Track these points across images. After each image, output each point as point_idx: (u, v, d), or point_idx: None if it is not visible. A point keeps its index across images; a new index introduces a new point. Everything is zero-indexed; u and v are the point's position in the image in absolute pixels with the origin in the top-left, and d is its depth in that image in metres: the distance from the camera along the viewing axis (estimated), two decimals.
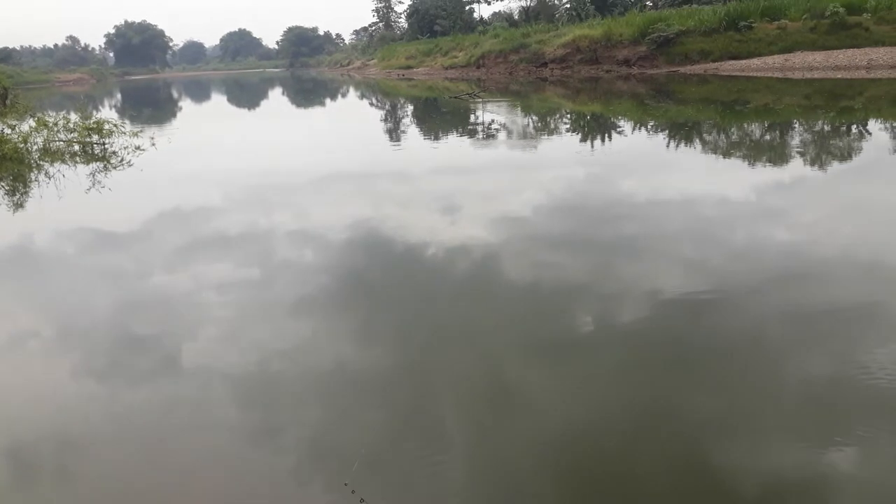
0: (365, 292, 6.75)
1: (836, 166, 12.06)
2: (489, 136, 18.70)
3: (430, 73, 55.54)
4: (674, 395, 4.54)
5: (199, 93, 61.10)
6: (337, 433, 4.25)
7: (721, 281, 6.49)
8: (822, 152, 13.56)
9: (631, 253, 7.48)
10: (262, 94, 54.32)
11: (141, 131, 19.21)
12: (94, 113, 24.09)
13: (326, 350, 5.41)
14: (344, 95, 47.82)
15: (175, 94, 58.62)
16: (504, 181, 12.23)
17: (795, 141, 15.47)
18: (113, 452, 4.16)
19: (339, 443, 4.13)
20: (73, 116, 19.66)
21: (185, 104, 47.63)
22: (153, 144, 17.54)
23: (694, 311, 5.84)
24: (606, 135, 17.85)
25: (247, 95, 55.41)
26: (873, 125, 16.59)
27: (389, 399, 4.63)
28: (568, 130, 19.41)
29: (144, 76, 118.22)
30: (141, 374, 5.13)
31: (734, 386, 4.63)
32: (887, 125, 16.76)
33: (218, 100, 52.31)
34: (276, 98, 50.23)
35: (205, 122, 33.25)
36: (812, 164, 12.34)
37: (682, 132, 17.66)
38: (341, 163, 15.06)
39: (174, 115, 37.30)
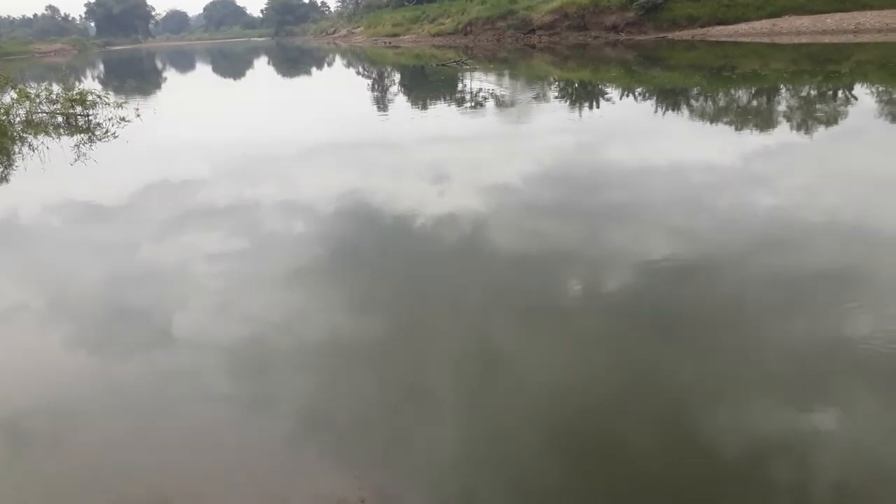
0: (356, 262, 6.72)
1: (821, 132, 12.06)
2: (477, 104, 18.53)
3: (417, 41, 54.82)
4: (661, 359, 4.58)
5: (184, 63, 60.09)
6: (332, 403, 4.26)
7: (708, 247, 6.52)
8: (808, 118, 13.55)
9: (619, 220, 7.48)
10: (248, 64, 53.51)
11: (125, 102, 18.86)
12: (77, 84, 23.63)
13: (320, 320, 5.40)
14: (330, 64, 47.18)
15: (159, 65, 57.64)
16: (493, 150, 12.16)
17: (782, 107, 15.44)
18: (107, 425, 4.15)
19: (335, 412, 4.15)
20: (56, 87, 19.28)
21: (170, 74, 46.86)
22: (138, 115, 17.27)
23: (681, 277, 5.87)
24: (595, 102, 17.74)
25: (232, 65, 54.57)
26: (859, 90, 16.57)
27: (383, 367, 4.64)
28: (556, 98, 19.27)
29: (127, 46, 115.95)
30: (133, 346, 5.11)
31: (720, 350, 4.67)
32: (873, 90, 16.75)
33: (203, 70, 51.49)
34: (262, 67, 49.50)
35: (190, 92, 32.75)
36: (798, 129, 12.34)
37: (669, 99, 17.57)
38: (329, 132, 14.90)
39: (159, 85, 36.72)
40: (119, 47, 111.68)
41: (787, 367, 4.39)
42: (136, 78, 43.55)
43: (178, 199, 9.44)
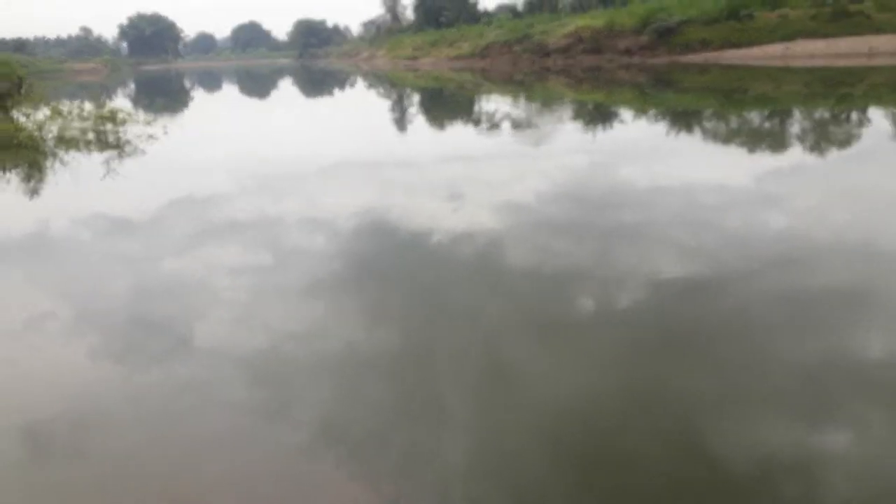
0: (373, 277, 6.73)
1: (834, 153, 11.95)
2: (494, 125, 18.60)
3: (436, 64, 55.24)
4: (670, 376, 4.52)
5: (211, 82, 60.98)
6: (347, 414, 4.25)
7: (719, 266, 6.45)
8: (821, 140, 13.43)
9: (630, 239, 7.44)
10: (273, 84, 54.17)
11: (154, 120, 19.16)
12: (108, 102, 24.06)
13: (336, 333, 5.40)
14: (352, 85, 47.64)
15: (187, 84, 58.51)
16: (509, 169, 12.18)
17: (795, 129, 15.32)
18: (126, 434, 4.17)
19: (349, 423, 4.13)
20: (88, 105, 19.63)
21: (198, 94, 47.54)
22: (166, 133, 17.51)
23: (692, 295, 5.81)
24: (609, 123, 17.74)
25: (258, 85, 55.27)
26: (873, 112, 16.41)
27: (397, 381, 4.62)
28: (571, 119, 19.29)
29: (157, 66, 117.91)
30: (155, 356, 5.14)
31: (730, 368, 4.60)
32: (888, 112, 16.58)
33: (229, 89, 52.20)
34: (287, 88, 50.08)
35: (217, 110, 33.19)
36: (810, 151, 12.23)
37: (682, 121, 17.52)
38: (350, 151, 15.02)
39: (186, 104, 37.25)
40: (150, 67, 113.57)
41: (794, 387, 4.31)
42: (165, 96, 44.23)
43: (201, 214, 9.53)
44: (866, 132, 13.98)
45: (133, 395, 4.60)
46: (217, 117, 28.54)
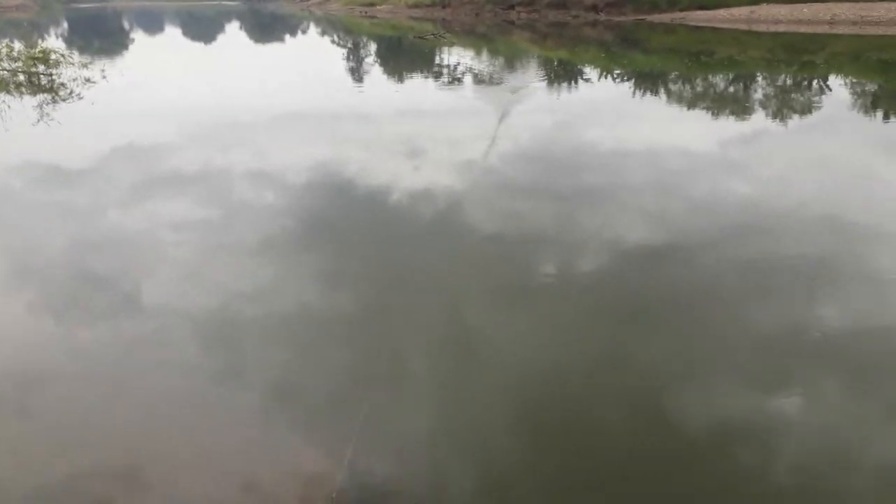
0: (328, 234, 6.68)
1: (796, 120, 12.26)
2: (455, 79, 18.42)
3: (394, 12, 54.13)
4: (633, 340, 4.65)
5: (152, 24, 58.51)
6: (301, 374, 4.25)
7: (681, 232, 6.61)
8: (784, 107, 13.74)
9: (595, 202, 7.54)
10: (219, 28, 52.31)
11: (91, 63, 18.36)
12: (40, 41, 22.89)
13: (290, 291, 5.36)
14: (304, 32, 46.39)
15: (126, 26, 56.02)
16: (471, 127, 12.12)
17: (758, 94, 15.63)
18: (74, 392, 4.10)
19: (304, 383, 4.14)
20: (17, 44, 18.66)
21: (138, 36, 45.60)
22: (104, 77, 16.83)
23: (654, 261, 5.95)
24: (573, 82, 17.76)
25: (203, 28, 53.28)
26: (834, 81, 16.83)
27: (354, 341, 4.64)
28: (535, 77, 19.24)
29: (92, 4, 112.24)
30: (101, 312, 5.03)
31: (691, 333, 4.76)
32: (847, 81, 17.03)
33: (172, 32, 50.23)
34: (234, 32, 48.47)
35: (159, 55, 31.95)
36: (773, 117, 12.52)
37: (648, 82, 17.67)
38: (303, 101, 14.70)
39: (126, 46, 35.72)
40: (83, 5, 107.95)
41: (755, 351, 4.49)
42: (102, 38, 42.27)
43: (146, 163, 9.24)
44: (827, 100, 14.35)
45: (80, 353, 4.50)
46: (160, 62, 27.49)
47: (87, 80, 16.27)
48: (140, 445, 3.63)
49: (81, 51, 28.12)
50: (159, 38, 44.81)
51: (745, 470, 3.42)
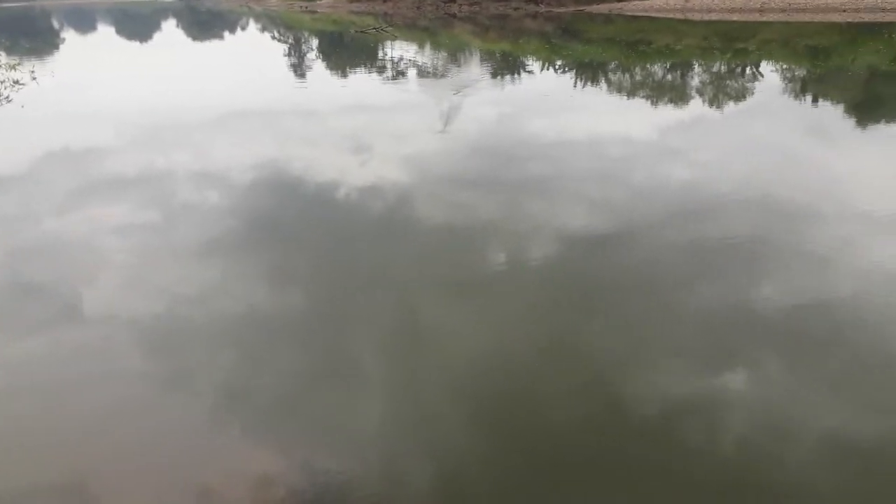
0: (275, 233, 6.57)
1: (730, 106, 12.61)
2: (398, 73, 18.33)
3: (335, 6, 53.54)
4: (580, 326, 4.72)
5: (84, 23, 56.47)
6: (251, 376, 4.18)
7: (624, 217, 6.73)
8: (719, 93, 14.13)
9: (540, 192, 7.61)
10: (155, 27, 50.83)
11: (19, 63, 17.62)
12: None
13: (235, 293, 5.26)
14: (243, 28, 45.47)
15: (56, 25, 53.91)
16: (414, 120, 12.09)
17: (695, 81, 16.02)
18: (11, 405, 3.94)
19: (251, 387, 4.07)
20: None
21: (69, 35, 43.92)
22: (34, 79, 16.18)
23: (600, 246, 6.04)
24: (516, 74, 17.88)
25: (138, 27, 51.70)
26: (765, 67, 17.38)
27: (303, 339, 4.58)
28: (478, 69, 19.30)
29: (18, 3, 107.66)
30: (38, 322, 4.84)
31: (638, 314, 4.86)
32: (777, 67, 17.61)
33: (105, 31, 48.58)
34: (171, 30, 47.17)
35: (92, 55, 30.85)
36: (709, 104, 12.86)
37: (588, 72, 17.92)
38: (243, 100, 14.41)
39: (56, 47, 34.39)
40: (8, 4, 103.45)
41: (701, 329, 4.61)
42: (31, 38, 40.57)
43: (83, 167, 8.93)
44: (759, 86, 14.81)
45: (15, 365, 4.32)
46: (94, 62, 26.55)
47: (16, 82, 15.64)
48: (84, 459, 3.51)
49: (8, 51, 26.98)
50: (92, 38, 43.27)
51: (695, 444, 3.52)
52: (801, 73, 16.91)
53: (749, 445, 3.53)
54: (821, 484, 3.30)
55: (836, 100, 13.21)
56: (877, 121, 11.39)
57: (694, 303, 4.99)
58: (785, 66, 17.68)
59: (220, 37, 39.92)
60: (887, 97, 13.93)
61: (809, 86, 14.96)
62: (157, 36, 42.50)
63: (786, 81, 15.56)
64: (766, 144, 9.59)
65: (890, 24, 23.88)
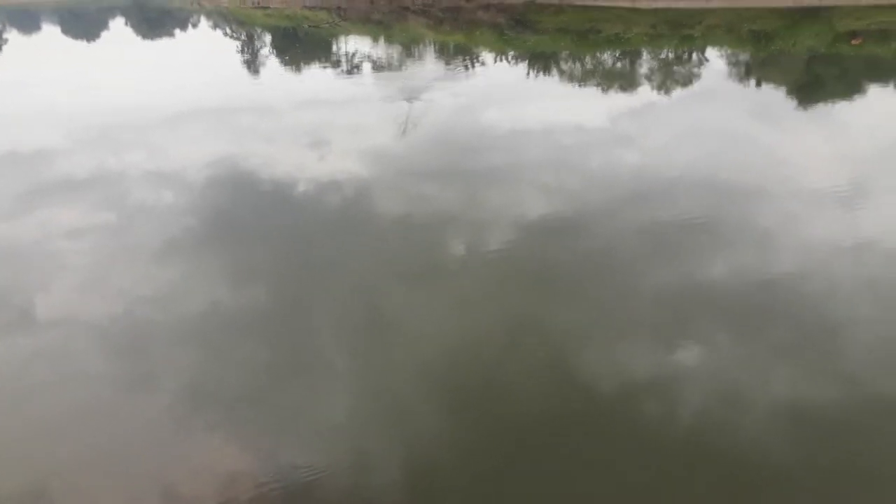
0: (234, 231, 6.50)
1: (678, 92, 12.85)
2: (353, 67, 18.20)
3: (288, 2, 52.75)
4: (540, 308, 4.80)
5: (28, 24, 54.58)
6: (213, 376, 4.15)
7: (579, 202, 6.83)
8: (667, 79, 14.38)
9: (497, 180, 7.67)
10: (102, 25, 49.43)
11: None
12: None
13: (196, 293, 5.21)
14: (195, 26, 44.52)
15: None
16: (371, 114, 12.03)
17: (644, 69, 16.27)
18: None
19: (216, 386, 4.05)
20: None
21: (12, 36, 42.44)
22: None
23: (556, 231, 6.13)
24: (471, 66, 17.90)
25: (84, 26, 50.18)
26: (711, 53, 17.74)
27: (268, 335, 4.56)
28: (432, 62, 19.27)
29: None
30: None
31: (596, 295, 4.96)
32: (722, 52, 17.99)
33: (51, 30, 47.07)
34: (119, 29, 45.93)
35: (37, 55, 29.87)
36: (658, 90, 13.08)
37: (541, 62, 18.04)
38: (197, 98, 14.15)
39: None
40: None
41: (652, 309, 4.73)
42: None
43: (32, 171, 8.67)
44: (705, 72, 15.11)
45: None
46: (38, 62, 25.71)
47: None
48: (46, 466, 3.45)
49: None
50: (36, 38, 41.88)
51: (653, 416, 3.62)
52: (744, 57, 17.30)
53: (704, 414, 3.65)
54: (775, 449, 3.44)
55: (778, 82, 13.56)
56: (816, 102, 11.74)
57: (649, 280, 5.11)
58: (730, 51, 18.06)
59: (171, 34, 39.06)
60: (826, 78, 14.36)
61: (753, 70, 15.33)
62: (105, 34, 41.35)
63: (730, 66, 15.91)
64: (712, 128, 9.81)
65: (830, 7, 24.56)
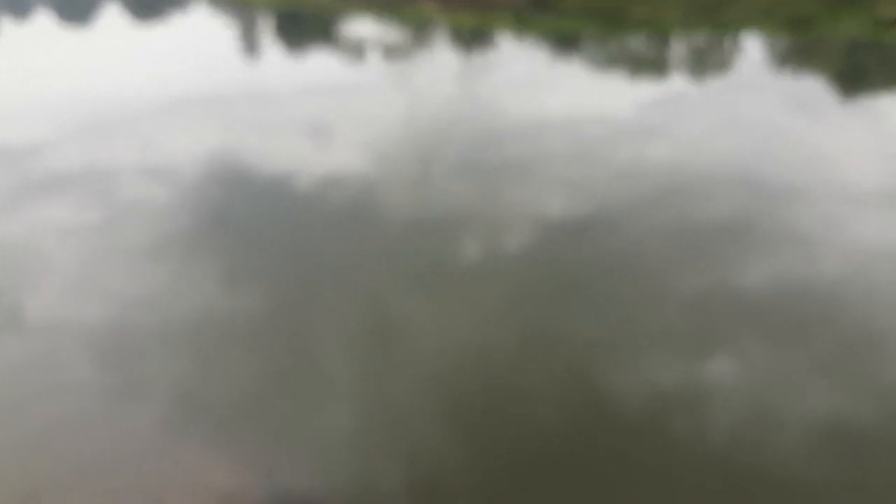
0: (233, 228, 6.49)
1: (712, 80, 12.72)
2: (361, 53, 18.18)
3: None
4: (562, 314, 4.73)
5: (19, 9, 55.04)
6: (210, 382, 4.13)
7: (606, 199, 6.76)
8: (700, 66, 14.24)
9: (516, 176, 7.61)
10: (97, 10, 49.75)
11: None
12: None
13: (194, 294, 5.19)
14: (194, 9, 44.69)
15: None
16: (380, 102, 12.00)
17: (675, 55, 16.12)
18: None
19: (212, 393, 4.02)
20: None
21: (2, 23, 42.80)
22: None
23: (582, 231, 6.06)
24: (487, 51, 17.83)
25: (78, 11, 50.49)
26: (746, 39, 17.56)
27: (267, 340, 4.53)
28: (447, 47, 19.22)
29: None
30: None
31: (619, 303, 4.89)
32: (759, 38, 17.80)
33: (43, 17, 47.41)
34: (114, 13, 46.19)
35: (29, 43, 30.10)
36: (690, 78, 12.95)
37: (564, 47, 17.94)
38: (196, 85, 14.17)
39: None
40: None
41: (682, 317, 4.65)
42: None
43: (22, 162, 8.71)
44: (740, 58, 14.95)
45: None
46: (30, 48, 25.91)
47: None
48: (35, 476, 3.44)
49: None
50: (28, 25, 42.22)
51: (680, 435, 3.55)
52: (782, 44, 17.11)
53: (736, 433, 3.57)
54: (808, 466, 3.36)
55: (817, 70, 13.39)
56: (858, 92, 11.57)
57: (679, 285, 5.03)
58: (766, 38, 17.87)
59: (168, 18, 39.22)
60: (868, 67, 14.16)
61: (792, 57, 15.15)
62: (99, 20, 41.59)
63: (767, 53, 15.74)
64: (748, 120, 9.69)
65: None
